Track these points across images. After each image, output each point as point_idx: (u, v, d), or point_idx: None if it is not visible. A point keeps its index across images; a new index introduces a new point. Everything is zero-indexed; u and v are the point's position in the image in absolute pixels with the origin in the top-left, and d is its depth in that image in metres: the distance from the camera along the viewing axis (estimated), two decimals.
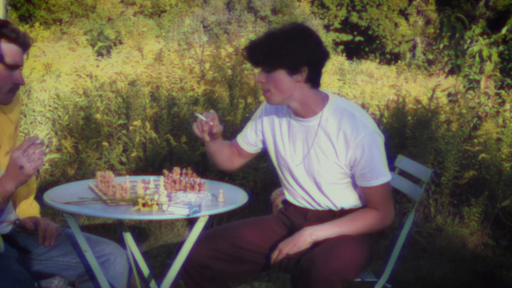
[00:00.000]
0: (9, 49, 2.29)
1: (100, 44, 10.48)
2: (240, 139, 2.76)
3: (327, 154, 2.49)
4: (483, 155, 5.04)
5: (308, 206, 2.62)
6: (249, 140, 2.73)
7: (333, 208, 2.58)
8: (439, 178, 4.84)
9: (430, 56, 15.20)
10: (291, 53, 2.40)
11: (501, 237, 4.64)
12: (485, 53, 7.66)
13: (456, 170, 4.90)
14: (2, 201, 2.24)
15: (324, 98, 2.52)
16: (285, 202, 2.76)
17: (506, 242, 4.57)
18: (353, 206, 2.58)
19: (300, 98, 2.47)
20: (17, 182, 2.21)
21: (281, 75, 2.42)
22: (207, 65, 7.29)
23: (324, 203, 2.58)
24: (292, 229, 2.62)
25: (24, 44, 2.34)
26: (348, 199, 2.57)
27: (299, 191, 2.62)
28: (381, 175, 2.48)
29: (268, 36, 2.46)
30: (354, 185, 2.55)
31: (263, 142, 2.71)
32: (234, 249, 2.58)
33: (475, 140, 5.33)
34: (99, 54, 10.29)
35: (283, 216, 2.72)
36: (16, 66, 2.32)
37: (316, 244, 2.47)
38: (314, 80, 2.47)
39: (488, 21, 12.57)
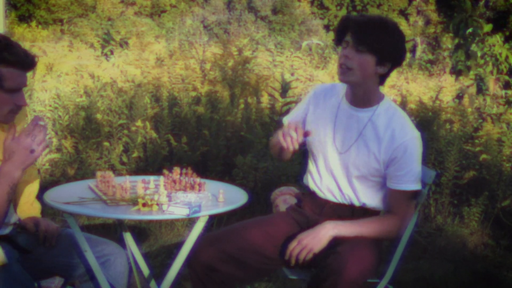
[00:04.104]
0: (9, 73, 2.22)
1: (109, 47, 10.50)
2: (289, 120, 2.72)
3: (370, 146, 2.51)
4: (484, 155, 5.03)
5: (330, 197, 2.60)
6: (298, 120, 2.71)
7: (356, 202, 2.57)
8: (439, 178, 4.84)
9: (431, 56, 15.20)
10: (391, 47, 2.47)
11: (501, 237, 4.64)
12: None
13: (456, 170, 4.90)
14: (11, 190, 2.22)
15: (381, 96, 2.57)
16: (299, 197, 2.74)
17: (506, 242, 4.57)
18: (373, 206, 2.57)
19: (368, 88, 2.52)
20: (24, 167, 2.21)
21: (370, 61, 2.46)
22: (208, 66, 7.29)
23: (348, 195, 2.57)
24: (307, 225, 2.59)
25: (25, 66, 2.27)
26: (372, 197, 2.56)
27: (326, 178, 2.60)
28: (415, 182, 2.51)
29: (379, 21, 2.50)
30: (381, 187, 2.55)
31: (304, 122, 2.67)
32: (240, 252, 2.54)
33: (476, 141, 5.33)
34: (104, 54, 10.32)
35: (295, 213, 2.69)
36: (17, 89, 2.27)
37: (334, 242, 2.44)
38: (385, 77, 2.54)
39: (488, 21, 12.55)
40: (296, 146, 2.42)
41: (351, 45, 2.46)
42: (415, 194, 2.55)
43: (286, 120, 2.75)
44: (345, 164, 2.55)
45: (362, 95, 2.53)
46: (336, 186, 2.59)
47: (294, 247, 2.43)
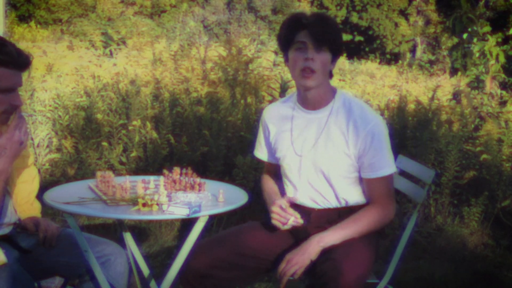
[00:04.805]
0: (2, 73, 2.20)
1: (109, 47, 10.50)
2: (260, 154, 2.74)
3: (337, 144, 2.48)
4: (484, 155, 5.03)
5: (313, 205, 2.58)
6: (267, 151, 2.72)
7: (338, 204, 2.55)
8: (439, 178, 4.84)
9: (431, 56, 15.21)
10: (341, 43, 2.51)
11: (501, 237, 4.64)
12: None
13: (456, 170, 4.90)
14: (5, 185, 2.23)
15: (334, 90, 2.55)
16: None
17: (506, 242, 4.57)
18: (357, 203, 2.55)
19: (324, 87, 2.50)
20: (15, 159, 2.23)
21: (327, 59, 2.45)
22: (208, 65, 7.29)
23: (331, 197, 2.55)
24: (296, 232, 2.59)
25: (19, 65, 2.26)
26: (354, 194, 2.55)
27: (305, 188, 2.57)
28: (389, 165, 2.49)
29: (328, 17, 2.51)
30: (360, 181, 2.54)
31: (269, 145, 2.67)
32: (234, 256, 2.54)
33: (476, 141, 5.33)
34: (104, 54, 10.31)
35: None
36: (11, 89, 2.25)
37: (328, 249, 2.42)
38: (331, 72, 2.54)
39: (488, 21, 12.55)
40: (301, 221, 2.50)
41: (312, 46, 2.42)
42: (391, 178, 2.53)
43: (256, 153, 2.75)
44: (318, 168, 2.52)
45: (318, 96, 2.51)
46: (317, 193, 2.56)
47: (284, 268, 2.40)
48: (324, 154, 2.50)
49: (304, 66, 2.43)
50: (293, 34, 2.45)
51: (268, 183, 2.73)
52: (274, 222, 2.51)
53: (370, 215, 2.49)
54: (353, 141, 2.46)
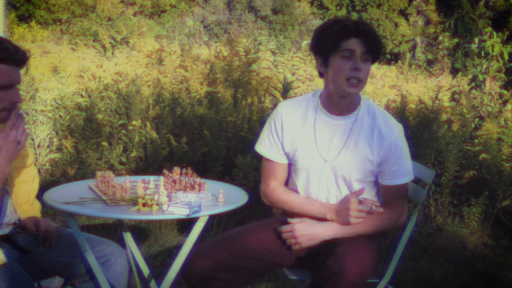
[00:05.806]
0: (1, 70, 2.20)
1: (110, 47, 10.49)
2: (264, 150, 2.61)
3: (362, 150, 2.49)
4: (483, 155, 5.03)
5: None
6: (275, 149, 2.60)
7: None
8: (439, 178, 4.84)
9: (430, 56, 15.20)
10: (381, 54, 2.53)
11: (501, 237, 4.64)
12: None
13: (456, 170, 4.90)
14: (3, 185, 2.22)
15: (359, 97, 2.56)
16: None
17: (506, 242, 4.57)
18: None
19: (355, 95, 2.51)
20: (12, 159, 2.22)
21: (370, 69, 2.47)
22: (208, 65, 7.29)
23: None
24: None
25: (18, 61, 2.25)
26: (370, 198, 2.56)
27: (323, 193, 2.55)
28: (409, 173, 2.54)
29: (373, 27, 2.51)
30: (374, 186, 2.56)
31: (282, 147, 2.58)
32: (236, 258, 2.52)
33: (476, 140, 5.33)
34: (104, 54, 10.32)
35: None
36: (9, 86, 2.24)
37: (333, 243, 2.43)
38: None
39: (488, 21, 12.55)
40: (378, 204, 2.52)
41: (360, 56, 2.40)
42: (407, 184, 2.58)
43: (259, 148, 2.62)
44: (340, 174, 2.51)
45: (349, 103, 2.51)
46: (334, 199, 2.54)
47: (286, 231, 2.49)
48: (350, 161, 2.50)
49: (351, 75, 2.41)
50: (340, 40, 2.40)
51: (291, 193, 2.60)
52: (354, 220, 2.48)
53: (384, 218, 2.52)
54: (377, 148, 2.49)
